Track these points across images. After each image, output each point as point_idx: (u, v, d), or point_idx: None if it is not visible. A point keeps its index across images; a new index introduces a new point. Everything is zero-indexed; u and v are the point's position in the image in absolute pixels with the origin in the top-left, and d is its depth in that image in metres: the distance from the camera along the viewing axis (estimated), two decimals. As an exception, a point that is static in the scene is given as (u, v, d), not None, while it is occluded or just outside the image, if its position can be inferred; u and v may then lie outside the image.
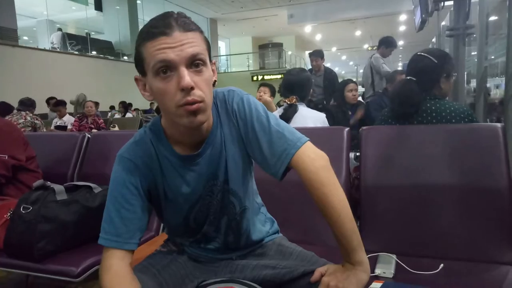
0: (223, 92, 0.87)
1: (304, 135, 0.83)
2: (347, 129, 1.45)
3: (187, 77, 0.71)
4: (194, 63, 0.72)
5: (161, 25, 0.71)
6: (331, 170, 0.79)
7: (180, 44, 0.71)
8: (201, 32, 0.77)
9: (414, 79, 1.51)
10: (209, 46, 0.78)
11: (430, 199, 1.24)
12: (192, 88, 0.71)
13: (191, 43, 0.72)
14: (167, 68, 0.71)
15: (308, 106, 2.05)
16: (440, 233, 1.22)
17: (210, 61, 0.78)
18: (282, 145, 0.80)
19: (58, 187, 1.32)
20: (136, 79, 0.80)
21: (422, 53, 1.53)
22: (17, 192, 1.53)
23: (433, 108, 1.47)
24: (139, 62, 0.75)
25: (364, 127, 1.43)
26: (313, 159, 0.79)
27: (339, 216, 0.76)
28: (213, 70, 0.79)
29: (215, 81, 0.81)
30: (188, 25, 0.73)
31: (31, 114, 4.46)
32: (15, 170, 1.55)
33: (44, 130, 4.63)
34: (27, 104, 4.50)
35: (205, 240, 0.94)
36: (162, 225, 1.53)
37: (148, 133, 0.86)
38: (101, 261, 0.80)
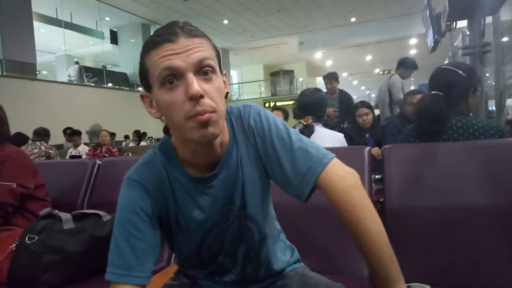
0: (238, 107, 0.81)
1: (329, 151, 0.75)
2: (368, 148, 1.37)
3: (196, 84, 0.64)
4: (202, 70, 0.66)
5: (165, 33, 0.66)
6: (363, 189, 0.70)
7: (186, 50, 0.65)
8: (209, 39, 0.71)
9: (441, 94, 1.43)
10: (219, 55, 0.72)
11: (464, 222, 1.13)
12: (201, 97, 0.64)
13: (198, 48, 0.66)
14: (173, 76, 0.65)
15: (325, 127, 1.98)
16: (478, 261, 1.10)
17: (221, 71, 0.72)
18: (306, 163, 0.72)
19: (65, 216, 1.26)
20: (142, 97, 0.74)
21: (448, 67, 1.46)
22: (24, 221, 1.48)
23: (459, 124, 1.39)
24: (144, 76, 0.70)
25: (386, 146, 1.34)
26: (343, 178, 0.70)
27: (375, 242, 0.66)
28: (224, 82, 0.72)
29: (227, 93, 0.75)
30: (194, 31, 0.67)
31: (45, 144, 4.50)
32: (23, 198, 1.50)
33: (58, 159, 4.65)
34: (42, 134, 4.55)
35: (220, 271, 0.85)
36: (174, 255, 1.44)
37: (158, 153, 0.79)
38: None
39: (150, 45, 0.67)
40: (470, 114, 1.51)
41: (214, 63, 0.68)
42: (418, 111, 1.47)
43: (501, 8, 2.87)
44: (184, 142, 0.74)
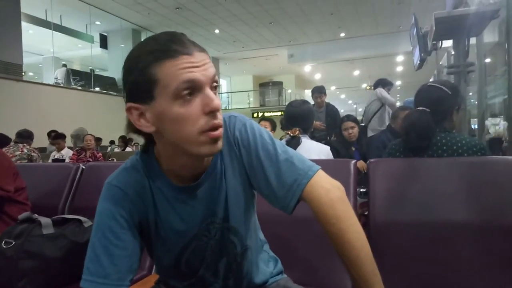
0: (223, 118, 0.79)
1: (315, 163, 0.75)
2: (353, 161, 1.38)
3: (217, 98, 0.66)
4: (213, 85, 0.67)
5: (179, 44, 0.64)
6: (348, 202, 0.70)
7: (203, 64, 0.65)
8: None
9: (428, 110, 1.45)
10: None
11: (447, 237, 1.15)
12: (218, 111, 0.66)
13: (210, 63, 0.67)
14: (192, 89, 0.64)
15: (311, 139, 2.00)
16: (460, 276, 1.11)
17: None
18: (292, 175, 0.72)
19: (45, 220, 1.23)
20: (129, 108, 0.67)
21: (435, 84, 1.50)
22: (2, 225, 1.43)
23: (444, 141, 1.42)
24: (145, 86, 0.64)
25: (371, 160, 1.36)
26: (328, 190, 0.70)
27: (358, 256, 0.66)
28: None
29: None
30: (200, 46, 0.68)
31: (28, 147, 4.40)
32: (2, 201, 1.46)
33: (41, 162, 4.55)
34: (25, 136, 4.45)
35: (201, 284, 0.84)
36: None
37: (140, 160, 0.77)
38: None
39: (162, 54, 0.63)
40: (454, 131, 1.54)
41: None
42: (406, 127, 1.49)
43: (484, 30, 2.96)
44: (175, 155, 0.71)
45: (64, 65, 11.43)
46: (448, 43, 3.66)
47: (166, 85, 0.63)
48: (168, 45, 0.64)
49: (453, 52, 3.32)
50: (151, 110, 0.66)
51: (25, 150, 4.30)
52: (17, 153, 4.19)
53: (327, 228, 0.68)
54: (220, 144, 0.68)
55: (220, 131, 0.67)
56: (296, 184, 0.71)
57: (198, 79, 0.64)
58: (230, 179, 0.77)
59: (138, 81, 0.65)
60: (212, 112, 0.65)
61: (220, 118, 0.67)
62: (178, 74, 0.62)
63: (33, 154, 4.38)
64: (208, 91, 0.65)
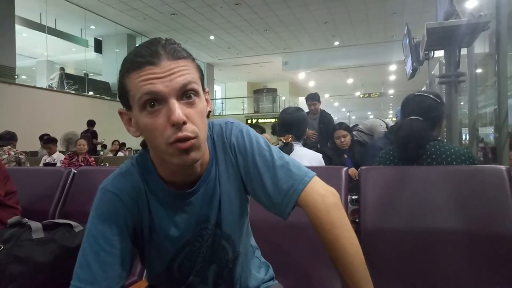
0: (220, 124, 0.80)
1: (310, 170, 0.76)
2: (345, 168, 1.39)
3: (178, 110, 0.63)
4: (186, 94, 0.65)
5: (147, 54, 0.64)
6: (342, 208, 0.71)
7: (169, 74, 0.63)
8: (193, 59, 0.70)
9: (421, 119, 1.45)
10: (202, 74, 0.72)
11: (436, 244, 1.16)
12: (184, 123, 0.63)
13: (182, 71, 0.65)
14: (155, 101, 0.63)
15: (304, 146, 2.01)
16: (448, 283, 1.12)
17: (204, 90, 0.71)
18: (288, 180, 0.73)
19: (35, 224, 1.22)
20: (120, 113, 0.72)
21: (424, 93, 1.51)
22: (-9, 229, 1.42)
23: (433, 149, 1.43)
24: (123, 95, 0.68)
25: (363, 167, 1.37)
26: (323, 196, 0.71)
27: (352, 262, 0.67)
28: (206, 100, 0.72)
29: (210, 111, 0.74)
30: (178, 52, 0.66)
31: (14, 149, 4.34)
32: (-9, 205, 1.45)
33: (28, 165, 4.50)
34: (7, 138, 4.34)
35: None
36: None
37: (135, 165, 0.77)
38: None
39: (131, 65, 0.65)
40: (442, 139, 1.56)
41: (197, 86, 0.67)
42: (405, 137, 1.45)
43: (475, 41, 3.02)
44: (163, 162, 0.73)
45: (62, 69, 11.38)
46: (440, 53, 3.72)
47: (133, 96, 0.65)
48: (138, 56, 0.65)
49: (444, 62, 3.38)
50: (132, 117, 0.69)
51: (12, 153, 4.25)
52: (5, 156, 4.13)
53: (321, 234, 0.69)
54: (194, 154, 0.66)
55: (189, 143, 0.64)
56: (292, 190, 0.72)
57: (159, 91, 0.63)
58: (224, 185, 0.78)
59: (119, 91, 0.68)
60: (174, 125, 0.63)
61: (188, 129, 0.64)
62: (140, 86, 0.64)
63: (20, 156, 4.33)
64: (172, 102, 0.63)
